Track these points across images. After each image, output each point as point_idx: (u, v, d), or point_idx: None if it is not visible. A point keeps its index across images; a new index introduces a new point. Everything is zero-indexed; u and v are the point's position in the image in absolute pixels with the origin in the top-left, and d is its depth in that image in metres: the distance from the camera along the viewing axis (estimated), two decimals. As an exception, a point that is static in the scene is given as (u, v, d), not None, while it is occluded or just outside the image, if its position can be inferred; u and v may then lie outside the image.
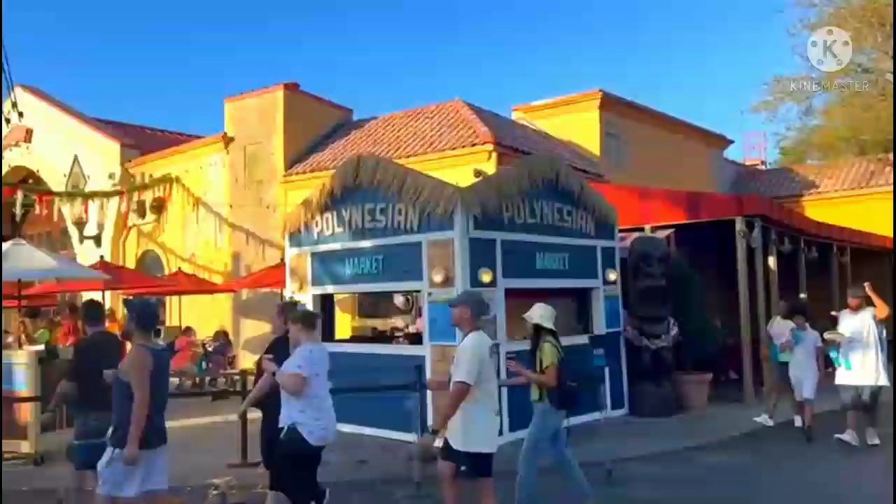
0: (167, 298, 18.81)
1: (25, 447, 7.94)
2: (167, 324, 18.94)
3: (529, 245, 9.03)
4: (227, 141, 17.79)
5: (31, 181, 22.77)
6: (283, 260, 15.50)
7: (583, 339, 9.62)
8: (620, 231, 10.87)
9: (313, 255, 10.13)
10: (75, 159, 21.47)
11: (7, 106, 19.12)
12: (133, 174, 20.04)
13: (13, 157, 22.49)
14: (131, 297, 15.07)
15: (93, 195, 18.29)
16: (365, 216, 9.32)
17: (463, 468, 4.80)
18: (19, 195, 17.29)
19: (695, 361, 11.15)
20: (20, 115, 19.91)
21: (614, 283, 10.31)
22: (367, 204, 9.30)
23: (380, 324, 14.73)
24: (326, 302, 10.40)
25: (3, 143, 22.16)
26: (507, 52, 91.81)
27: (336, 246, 9.76)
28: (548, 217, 9.35)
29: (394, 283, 9.28)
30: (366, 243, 9.31)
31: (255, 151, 17.41)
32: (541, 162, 9.56)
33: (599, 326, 10.04)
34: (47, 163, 22.10)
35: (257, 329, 17.05)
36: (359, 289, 9.64)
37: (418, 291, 9.12)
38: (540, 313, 6.01)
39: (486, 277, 8.39)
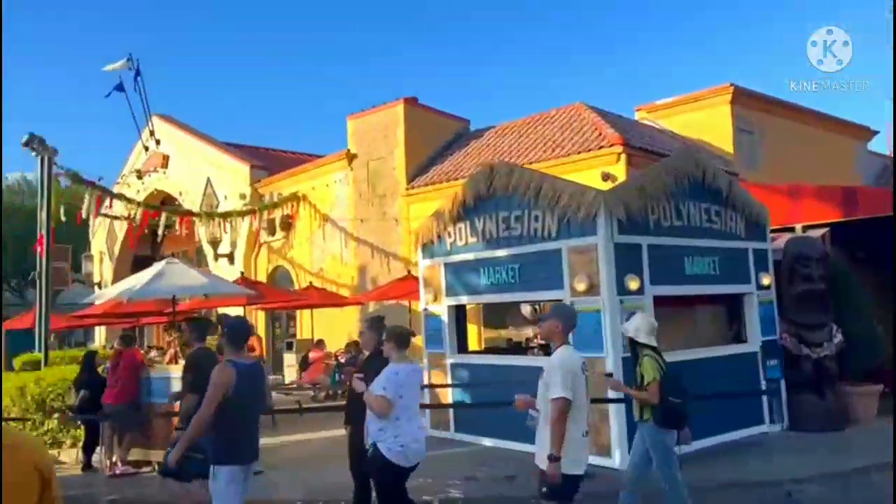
0: (297, 312, 19.43)
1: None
2: (298, 336, 19.55)
3: (677, 249, 8.51)
4: (351, 158, 18.18)
5: (168, 204, 24.27)
6: (409, 272, 15.64)
7: (739, 349, 8.97)
8: (770, 232, 10.12)
9: (446, 265, 10.02)
10: (208, 181, 22.64)
11: (146, 134, 20.43)
12: (262, 194, 20.87)
13: (152, 182, 24.02)
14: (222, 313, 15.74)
15: (228, 215, 19.13)
16: (499, 224, 9.11)
17: (543, 489, 4.43)
18: (163, 217, 18.32)
19: (857, 372, 10.17)
20: (157, 142, 21.42)
21: (768, 287, 9.58)
22: (501, 212, 9.09)
23: (512, 334, 14.49)
24: (460, 312, 10.25)
25: (143, 168, 23.84)
26: (622, 53, 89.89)
27: (469, 256, 9.61)
28: (695, 218, 8.79)
29: (531, 292, 9.00)
30: (501, 252, 9.09)
31: (377, 166, 17.69)
32: (685, 160, 9.01)
33: (754, 334, 9.33)
34: (183, 186, 23.45)
35: (383, 341, 17.24)
36: (494, 299, 9.43)
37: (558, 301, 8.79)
38: (636, 325, 5.62)
39: (633, 285, 7.96)
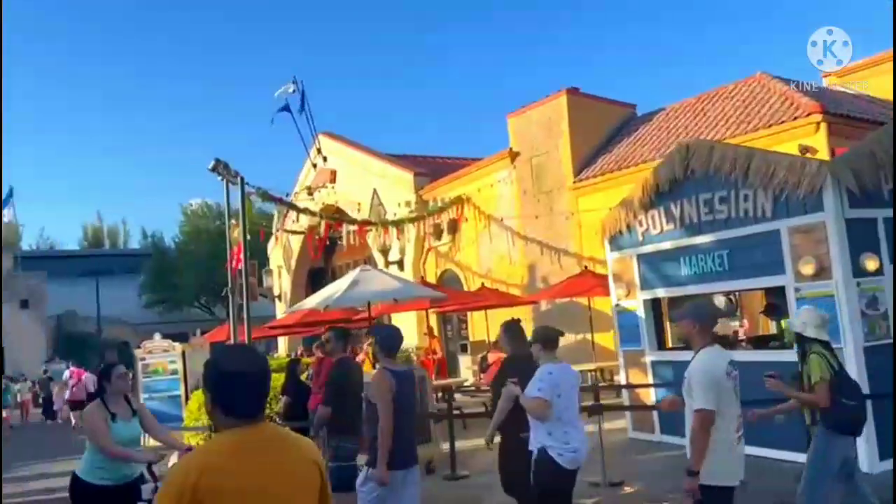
0: (468, 314, 19.44)
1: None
2: (471, 339, 19.56)
3: (919, 221, 7.41)
4: (513, 156, 17.92)
5: (338, 216, 25.29)
6: (586, 267, 15.10)
7: None
8: None
9: (639, 257, 9.43)
10: (374, 192, 23.31)
11: (313, 152, 21.33)
12: (426, 200, 21.13)
13: (321, 197, 25.14)
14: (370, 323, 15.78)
15: (400, 222, 19.53)
16: (700, 208, 8.40)
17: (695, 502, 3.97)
18: (344, 227, 18.96)
19: None
20: (325, 159, 22.33)
21: None
22: (701, 194, 8.38)
23: (717, 328, 13.51)
24: (657, 307, 9.60)
25: (313, 185, 25.00)
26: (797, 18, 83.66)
27: (666, 245, 8.95)
28: (937, 185, 7.62)
29: (744, 280, 8.18)
30: (704, 238, 8.37)
31: (541, 162, 17.29)
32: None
33: None
34: (350, 199, 24.32)
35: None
36: (699, 290, 8.69)
37: (780, 287, 7.90)
38: (803, 319, 4.97)
39: (871, 265, 7.01)
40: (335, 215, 19.58)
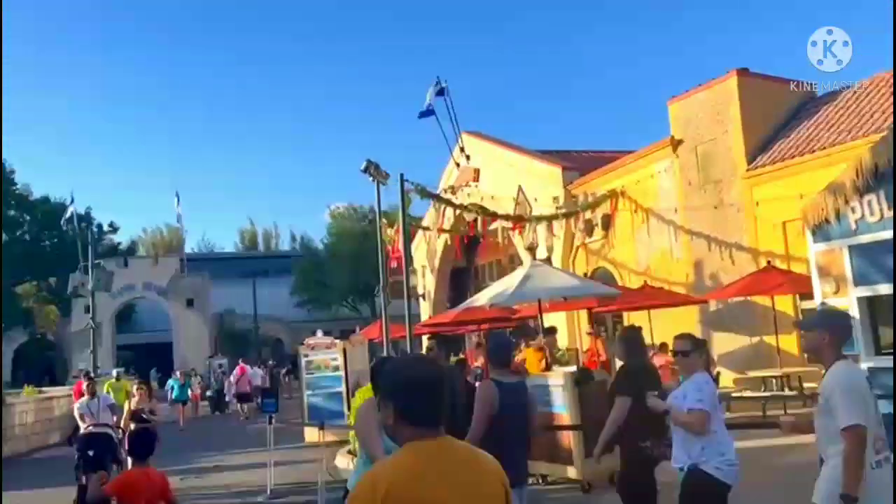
0: (624, 314, 18.42)
1: (572, 473, 7.66)
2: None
3: None
4: (675, 144, 16.75)
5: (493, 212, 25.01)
6: (769, 263, 13.76)
7: None
8: None
9: (851, 248, 8.24)
10: (519, 189, 22.76)
11: (456, 151, 21.11)
12: (575, 195, 20.33)
13: (465, 196, 24.95)
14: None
15: (553, 218, 18.90)
16: (934, 190, 7.15)
17: None
18: (499, 225, 18.59)
19: None
20: (468, 157, 22.07)
21: None
22: (935, 174, 7.13)
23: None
24: (873, 305, 8.35)
25: (456, 184, 24.87)
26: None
27: (886, 234, 7.74)
28: None
29: None
30: (938, 225, 7.12)
31: (708, 150, 16.02)
32: None
33: None
34: (495, 196, 23.93)
35: (731, 342, 15.48)
36: (931, 286, 7.43)
37: None
38: None
39: None
40: (491, 212, 19.17)
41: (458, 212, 18.04)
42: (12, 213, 44.42)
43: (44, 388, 22.18)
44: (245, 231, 75.13)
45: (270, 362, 30.88)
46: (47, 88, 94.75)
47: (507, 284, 9.79)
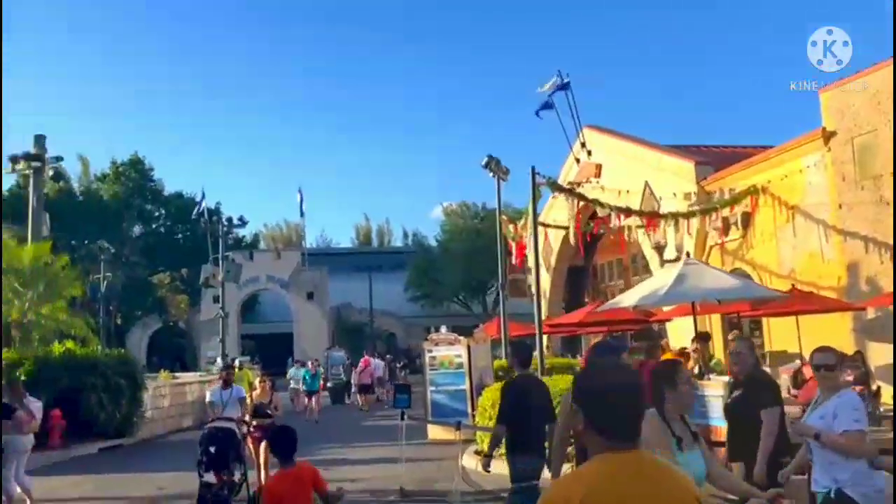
0: (764, 320, 17.11)
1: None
2: (768, 348, 17.19)
3: None
4: (828, 136, 15.32)
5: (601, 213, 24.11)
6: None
7: None
8: None
9: None
10: (646, 185, 21.71)
11: (577, 147, 20.39)
12: (709, 192, 19.12)
13: (585, 192, 24.11)
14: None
15: (689, 215, 17.86)
16: None
17: None
18: (632, 220, 17.78)
19: None
20: (589, 153, 21.28)
21: None
22: None
23: None
24: None
25: (576, 180, 24.08)
26: None
27: None
28: None
29: None
30: None
31: (867, 142, 14.53)
32: None
33: None
34: (617, 193, 22.97)
35: (888, 354, 13.95)
36: None
37: None
38: None
39: None
40: (625, 208, 18.34)
41: (580, 206, 17.30)
42: (149, 207, 47.44)
43: (176, 374, 23.34)
44: (360, 227, 77.20)
45: (388, 356, 31.43)
46: (183, 95, 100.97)
47: (658, 284, 9.12)
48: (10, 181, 40.08)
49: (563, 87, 18.45)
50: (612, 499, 1.83)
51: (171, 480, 10.48)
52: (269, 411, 9.71)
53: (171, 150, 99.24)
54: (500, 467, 8.88)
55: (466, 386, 12.95)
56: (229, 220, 28.41)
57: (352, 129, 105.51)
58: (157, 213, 48.61)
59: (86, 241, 42.18)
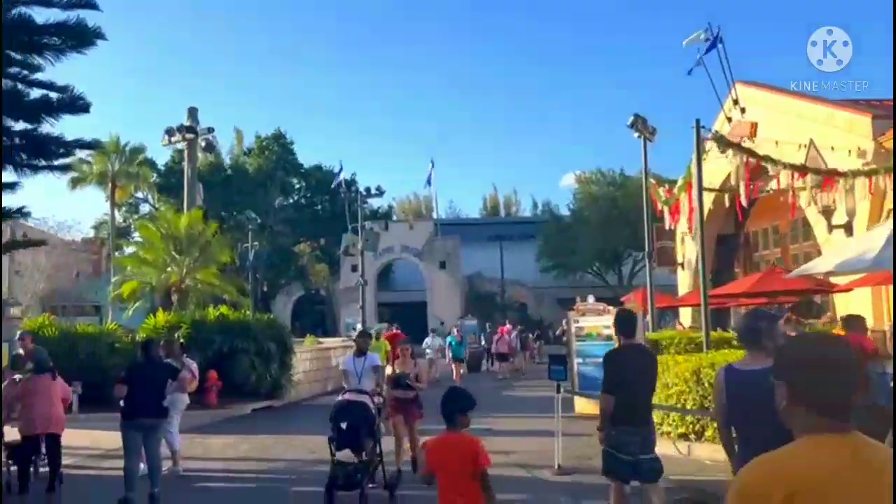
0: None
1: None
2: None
3: None
4: None
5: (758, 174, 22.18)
6: None
7: None
8: None
9: None
10: (810, 142, 19.67)
11: (728, 104, 18.64)
12: (887, 149, 16.95)
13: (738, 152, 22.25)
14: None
15: (872, 173, 15.96)
16: None
17: None
18: (809, 179, 16.15)
19: None
20: (742, 110, 19.46)
21: None
22: None
23: None
24: None
25: (729, 138, 22.26)
26: None
27: None
28: None
29: None
30: None
31: None
32: None
33: None
34: (775, 151, 21.01)
35: None
36: None
37: None
38: None
39: None
40: (800, 165, 16.67)
41: (745, 161, 15.80)
42: (290, 179, 49.46)
43: (320, 339, 24.10)
44: (488, 197, 76.95)
45: (519, 326, 31.19)
46: (324, 72, 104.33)
47: (862, 248, 7.95)
48: (166, 156, 43.04)
49: (713, 41, 16.99)
50: (827, 485, 1.60)
51: (322, 444, 10.56)
52: (409, 382, 8.50)
53: (307, 123, 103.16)
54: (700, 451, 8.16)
55: (617, 358, 12.18)
56: (367, 189, 28.89)
57: (480, 95, 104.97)
58: (297, 185, 50.59)
59: (234, 213, 44.64)
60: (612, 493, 5.74)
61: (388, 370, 8.94)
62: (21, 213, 8.28)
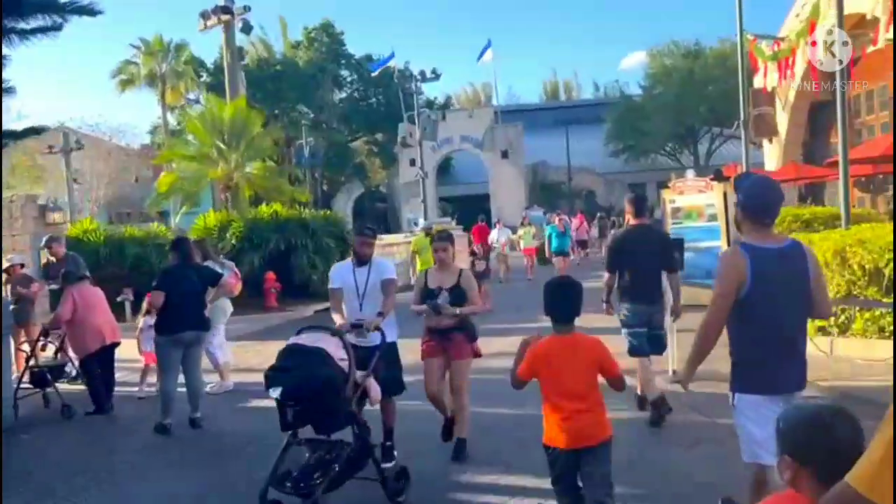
0: None
1: None
2: None
3: None
4: None
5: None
6: None
7: None
8: None
9: None
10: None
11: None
12: None
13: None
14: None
15: None
16: None
17: None
18: None
19: None
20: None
21: None
22: None
23: None
24: None
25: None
26: None
27: None
28: None
29: None
30: None
31: None
32: None
33: None
34: None
35: None
36: None
37: None
38: None
39: None
40: None
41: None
42: (343, 72, 47.39)
43: (382, 235, 23.01)
44: (547, 83, 73.27)
45: (599, 213, 29.61)
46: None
47: None
48: (214, 52, 41.46)
49: None
50: None
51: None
52: (440, 307, 5.15)
53: (358, 12, 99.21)
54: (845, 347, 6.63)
55: (723, 241, 10.47)
56: (422, 73, 26.82)
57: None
58: (350, 79, 48.57)
59: (287, 110, 43.24)
60: (639, 369, 5.87)
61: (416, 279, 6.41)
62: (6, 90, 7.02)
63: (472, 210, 42.42)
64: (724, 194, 10.56)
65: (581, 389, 3.44)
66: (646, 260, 5.74)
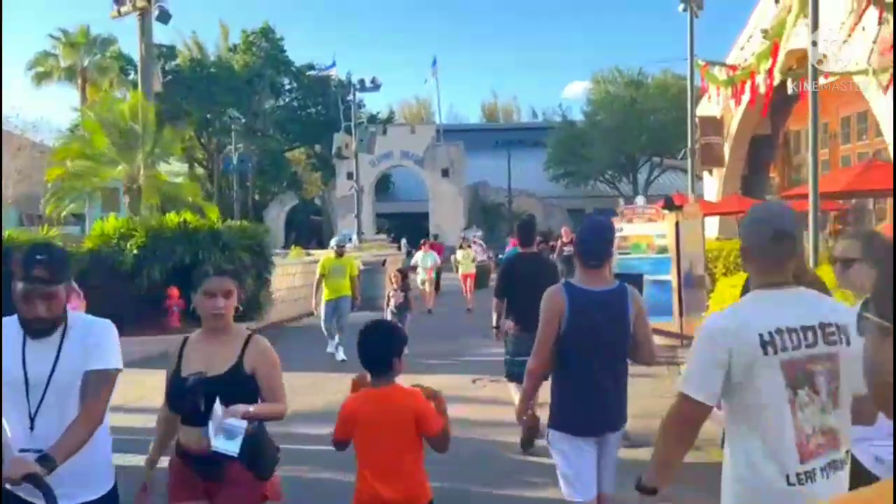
0: None
1: None
2: None
3: None
4: None
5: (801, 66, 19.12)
6: None
7: None
8: None
9: None
10: (881, 19, 16.52)
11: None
12: None
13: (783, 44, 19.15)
14: None
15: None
16: None
17: None
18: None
19: None
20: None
21: None
22: None
23: None
24: None
25: (771, 27, 19.04)
26: None
27: None
28: None
29: None
30: None
31: None
32: None
33: None
34: (829, 38, 17.82)
35: None
36: None
37: None
38: None
39: None
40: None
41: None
42: (281, 79, 45.74)
43: (310, 251, 21.55)
44: (486, 105, 73.44)
45: (538, 238, 28.79)
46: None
47: None
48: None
49: None
50: None
51: (309, 375, 8.28)
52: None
53: (299, 20, 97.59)
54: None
55: (673, 275, 9.62)
56: (361, 81, 25.58)
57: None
58: (288, 86, 46.95)
59: (220, 115, 41.31)
60: (514, 394, 5.75)
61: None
62: None
63: (410, 228, 41.46)
64: (676, 224, 9.74)
65: (389, 458, 2.72)
66: (534, 289, 5.22)
